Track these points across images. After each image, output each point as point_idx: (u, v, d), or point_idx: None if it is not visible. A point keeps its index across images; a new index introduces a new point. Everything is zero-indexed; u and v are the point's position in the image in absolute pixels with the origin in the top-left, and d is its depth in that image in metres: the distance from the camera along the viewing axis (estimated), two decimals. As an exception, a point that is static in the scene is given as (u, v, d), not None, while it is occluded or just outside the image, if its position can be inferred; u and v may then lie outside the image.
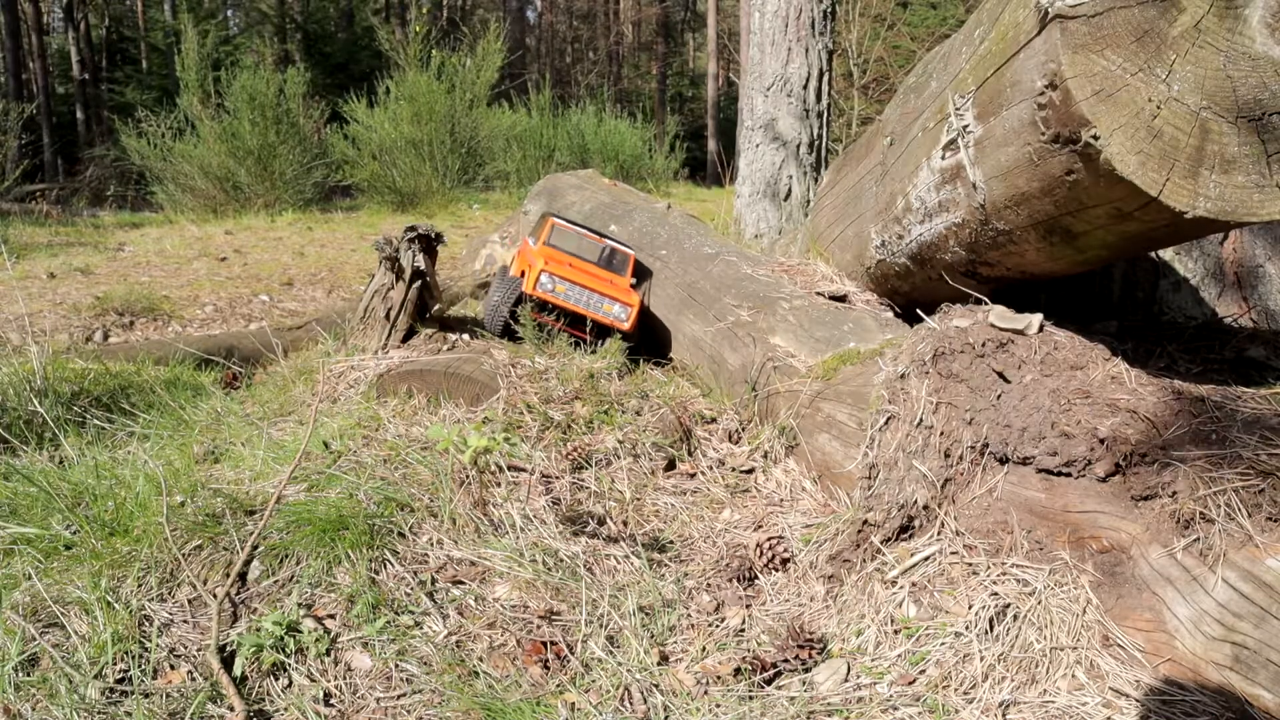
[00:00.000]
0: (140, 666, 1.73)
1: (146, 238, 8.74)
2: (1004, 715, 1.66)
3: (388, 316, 3.40)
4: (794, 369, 2.89)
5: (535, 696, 1.77)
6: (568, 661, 1.89)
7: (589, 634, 1.97)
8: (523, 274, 3.61)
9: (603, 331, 3.56)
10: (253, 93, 11.19)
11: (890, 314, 3.10)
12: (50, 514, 2.12)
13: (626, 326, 3.52)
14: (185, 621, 1.88)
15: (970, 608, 1.84)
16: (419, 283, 3.44)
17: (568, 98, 15.59)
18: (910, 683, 1.77)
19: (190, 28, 11.62)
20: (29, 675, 1.67)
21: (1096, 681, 1.67)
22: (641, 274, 4.02)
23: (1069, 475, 1.85)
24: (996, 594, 1.84)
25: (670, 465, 2.83)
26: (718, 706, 1.76)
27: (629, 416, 2.94)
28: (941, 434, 2.07)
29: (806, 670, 1.85)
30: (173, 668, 1.75)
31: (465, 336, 3.49)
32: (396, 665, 1.84)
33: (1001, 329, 2.11)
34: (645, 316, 3.91)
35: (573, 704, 1.76)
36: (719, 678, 1.84)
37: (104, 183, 15.50)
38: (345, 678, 1.80)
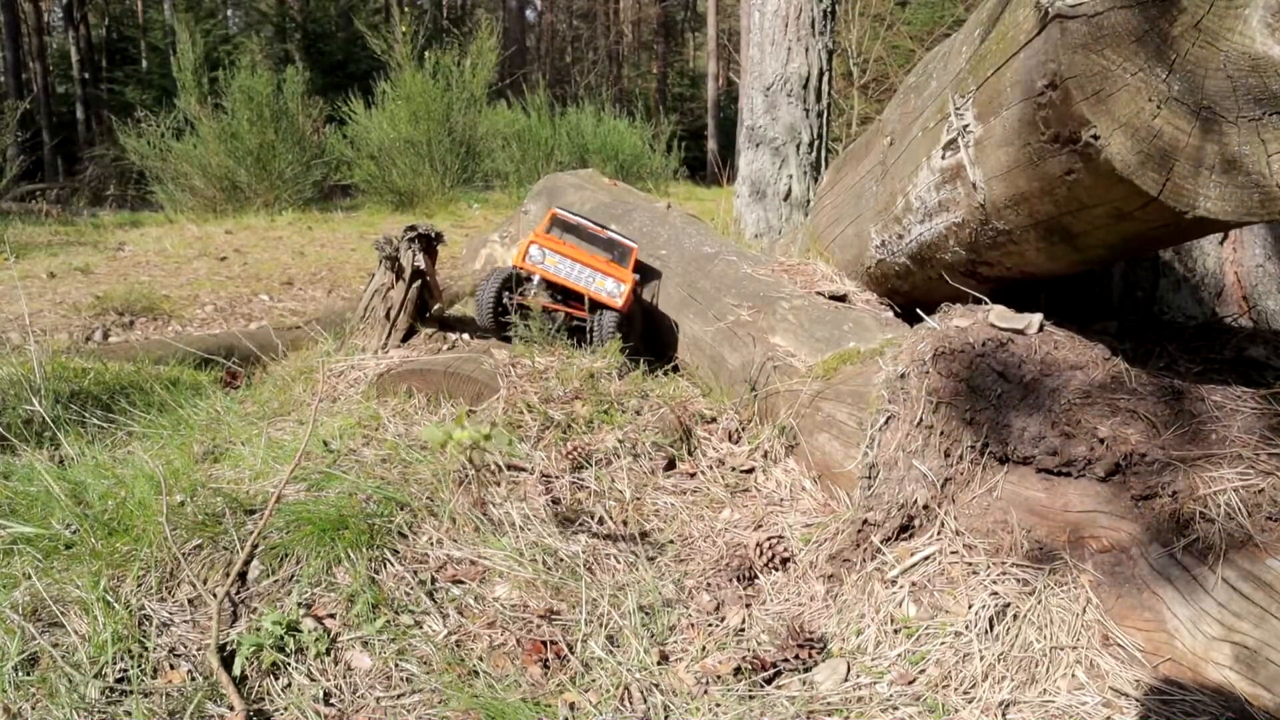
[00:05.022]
0: (140, 666, 1.73)
1: (146, 237, 8.73)
2: (1004, 715, 1.66)
3: (388, 316, 3.40)
4: (794, 368, 2.89)
5: (535, 696, 1.77)
6: (568, 661, 1.89)
7: (589, 633, 1.97)
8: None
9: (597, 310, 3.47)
10: (250, 93, 11.19)
11: (890, 314, 3.10)
12: (50, 513, 2.12)
13: (619, 304, 3.37)
14: (185, 621, 1.88)
15: (970, 607, 1.84)
16: (419, 282, 3.45)
17: (567, 97, 15.55)
18: (910, 682, 1.77)
19: (184, 28, 11.60)
20: (29, 675, 1.67)
21: (1096, 681, 1.67)
22: (646, 273, 3.92)
23: (1069, 475, 1.85)
24: (996, 593, 1.84)
25: (670, 465, 2.83)
26: (718, 706, 1.76)
27: (629, 416, 2.94)
28: (941, 434, 2.07)
29: (806, 670, 1.85)
30: (172, 667, 1.75)
31: (465, 336, 3.49)
32: (396, 665, 1.84)
33: (1001, 329, 2.12)
34: (651, 316, 3.88)
35: (573, 703, 1.76)
36: (719, 677, 1.84)
37: (104, 182, 15.49)
38: (345, 677, 1.80)
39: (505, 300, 3.43)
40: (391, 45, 12.12)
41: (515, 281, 3.47)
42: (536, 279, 3.41)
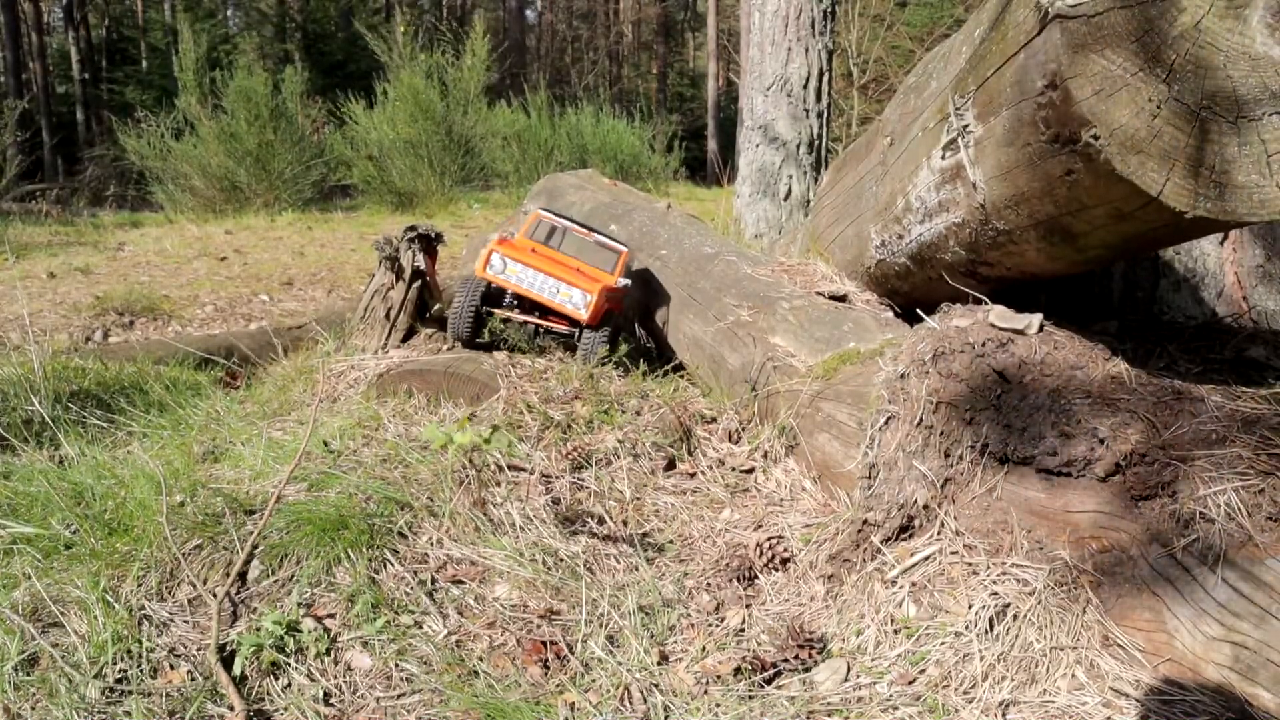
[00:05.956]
0: (140, 666, 1.73)
1: (146, 237, 8.74)
2: (1004, 715, 1.66)
3: (388, 316, 3.40)
4: (794, 369, 2.89)
5: (535, 696, 1.77)
6: (568, 661, 1.89)
7: (589, 634, 1.97)
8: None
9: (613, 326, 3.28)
10: (248, 93, 11.20)
11: (890, 314, 3.10)
12: (50, 514, 2.12)
13: (584, 317, 3.15)
14: (185, 621, 1.88)
15: (970, 607, 1.84)
16: (419, 282, 3.45)
17: (567, 97, 15.54)
18: (910, 682, 1.77)
19: (187, 28, 11.62)
20: (29, 675, 1.67)
21: (1096, 681, 1.67)
22: (642, 276, 3.81)
23: (1069, 475, 1.85)
24: (996, 594, 1.84)
25: (670, 465, 2.83)
26: (718, 706, 1.76)
27: (629, 416, 2.94)
28: (941, 434, 2.07)
29: (806, 670, 1.85)
30: (172, 667, 1.75)
31: (465, 336, 3.49)
32: (396, 665, 1.84)
33: (1001, 329, 2.11)
34: (651, 317, 3.84)
35: (573, 704, 1.76)
36: (719, 677, 1.84)
37: (104, 182, 15.50)
38: (345, 677, 1.80)
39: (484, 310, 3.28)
40: (391, 46, 12.13)
41: (491, 293, 3.31)
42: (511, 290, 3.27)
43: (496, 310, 3.29)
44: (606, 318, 3.31)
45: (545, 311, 3.28)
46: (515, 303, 3.30)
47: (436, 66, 12.01)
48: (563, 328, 3.29)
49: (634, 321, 3.94)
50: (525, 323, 3.28)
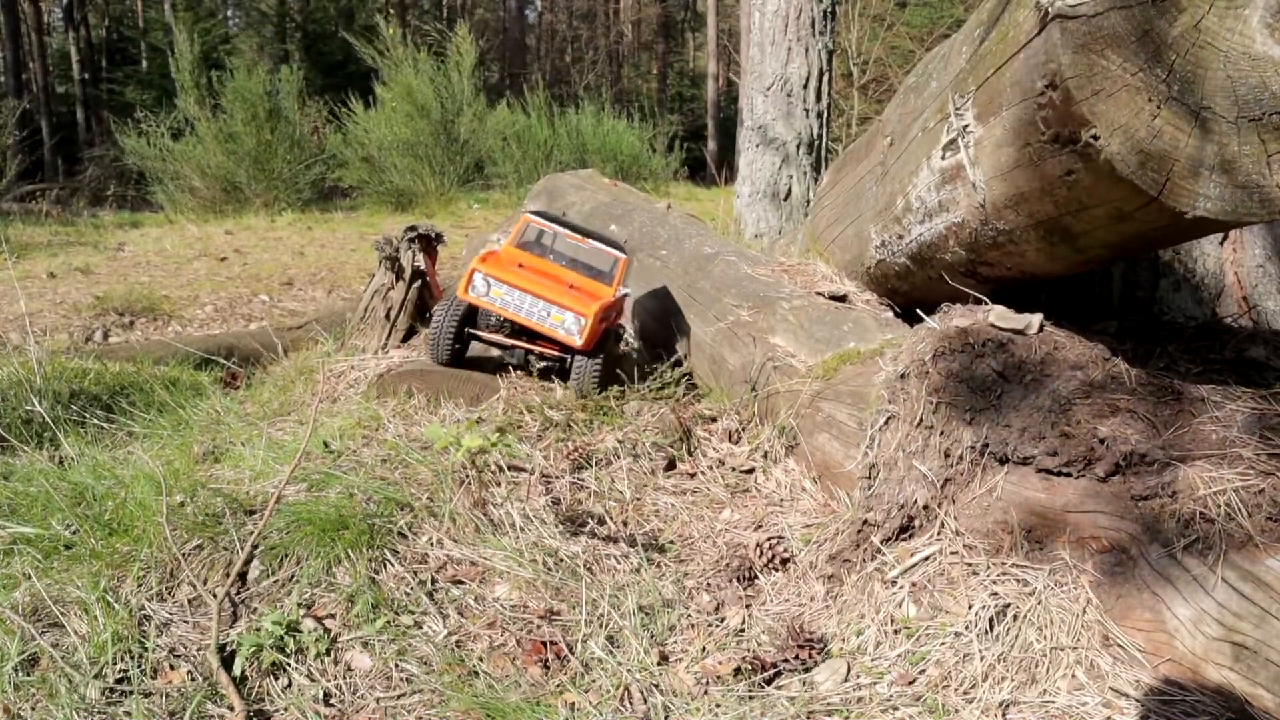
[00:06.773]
0: (140, 666, 1.73)
1: (146, 238, 8.74)
2: (1004, 715, 1.66)
3: (388, 316, 3.40)
4: (794, 369, 2.89)
5: (535, 696, 1.77)
6: (568, 661, 1.89)
7: (589, 634, 1.97)
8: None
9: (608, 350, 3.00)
10: (245, 94, 11.21)
11: (890, 314, 3.10)
12: (50, 514, 2.12)
13: (578, 343, 2.85)
14: (185, 621, 1.88)
15: (970, 608, 1.84)
16: (419, 282, 3.45)
17: (567, 97, 15.52)
18: (910, 682, 1.77)
19: (182, 29, 11.64)
20: (29, 675, 1.67)
21: (1096, 681, 1.67)
22: (657, 294, 3.67)
23: (1069, 475, 1.85)
24: (996, 594, 1.84)
25: (670, 465, 2.83)
26: (718, 706, 1.76)
27: (629, 416, 2.94)
28: (941, 434, 2.07)
29: (806, 670, 1.85)
30: (172, 667, 1.75)
31: (465, 336, 3.48)
32: (396, 665, 1.84)
33: (1001, 329, 2.11)
34: (650, 318, 3.83)
35: (573, 704, 1.76)
36: (719, 677, 1.84)
37: (104, 183, 15.51)
38: (345, 677, 1.81)
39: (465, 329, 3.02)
40: (381, 51, 12.16)
41: (474, 312, 3.05)
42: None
43: (482, 334, 3.04)
44: (603, 339, 3.04)
45: (535, 333, 2.99)
46: (503, 323, 3.02)
47: (426, 68, 12.03)
48: (553, 352, 3.02)
49: (634, 321, 3.94)
50: (513, 347, 3.02)
